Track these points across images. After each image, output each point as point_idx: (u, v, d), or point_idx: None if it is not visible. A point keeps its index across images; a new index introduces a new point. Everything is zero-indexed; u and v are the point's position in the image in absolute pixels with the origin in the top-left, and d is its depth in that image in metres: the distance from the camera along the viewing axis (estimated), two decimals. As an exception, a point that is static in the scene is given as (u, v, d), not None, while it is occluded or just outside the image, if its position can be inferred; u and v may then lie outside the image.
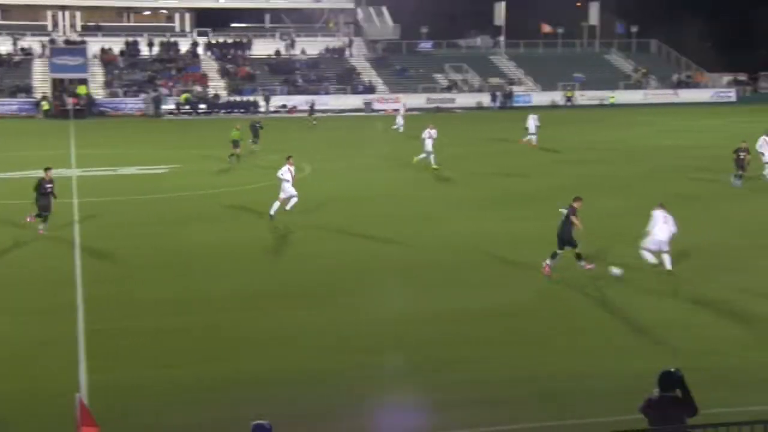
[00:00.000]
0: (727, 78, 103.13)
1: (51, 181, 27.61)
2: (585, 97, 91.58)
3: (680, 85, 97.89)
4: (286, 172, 29.45)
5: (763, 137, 37.37)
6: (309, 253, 25.48)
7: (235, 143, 44.92)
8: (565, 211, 22.34)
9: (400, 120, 61.00)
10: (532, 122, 51.27)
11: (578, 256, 22.31)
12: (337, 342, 17.67)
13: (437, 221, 29.96)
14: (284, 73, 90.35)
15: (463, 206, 32.76)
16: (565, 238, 22.20)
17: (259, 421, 9.52)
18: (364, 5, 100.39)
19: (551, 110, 74.48)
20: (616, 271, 21.74)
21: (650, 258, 22.56)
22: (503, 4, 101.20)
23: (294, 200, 29.70)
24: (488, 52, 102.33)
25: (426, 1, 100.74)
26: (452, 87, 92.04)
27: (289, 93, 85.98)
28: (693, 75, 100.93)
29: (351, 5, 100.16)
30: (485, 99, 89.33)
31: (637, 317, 19.09)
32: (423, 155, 42.17)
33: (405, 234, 27.56)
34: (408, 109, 70.81)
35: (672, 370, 10.34)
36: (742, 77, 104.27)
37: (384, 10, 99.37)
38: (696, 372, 11.96)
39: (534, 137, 51.00)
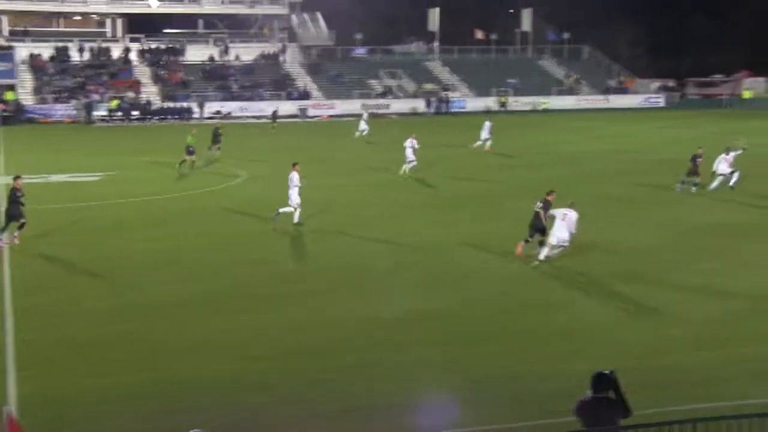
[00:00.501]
0: (656, 84, 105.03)
1: (21, 189, 27.10)
2: (518, 102, 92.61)
3: (611, 90, 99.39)
4: (294, 179, 28.93)
5: (723, 155, 36.53)
6: (253, 258, 25.34)
7: (190, 149, 43.43)
8: (540, 204, 23.96)
9: (364, 125, 61.50)
10: (486, 128, 52.24)
11: (542, 244, 23.72)
12: (276, 347, 17.53)
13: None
14: (218, 79, 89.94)
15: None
16: (539, 228, 23.88)
17: (196, 430, 9.38)
18: (299, 11, 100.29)
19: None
20: None
21: (547, 253, 23.40)
22: (437, 10, 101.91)
23: (288, 209, 29.01)
24: (423, 58, 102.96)
25: (360, 7, 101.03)
26: (387, 93, 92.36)
27: (224, 99, 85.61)
28: (624, 81, 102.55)
29: (285, 11, 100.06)
30: (420, 105, 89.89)
31: (581, 319, 19.28)
32: (407, 165, 42.04)
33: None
34: (339, 115, 70.88)
35: (605, 371, 10.44)
36: (671, 83, 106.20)
37: (319, 16, 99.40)
38: (634, 373, 12.09)
39: (488, 142, 52.16)
